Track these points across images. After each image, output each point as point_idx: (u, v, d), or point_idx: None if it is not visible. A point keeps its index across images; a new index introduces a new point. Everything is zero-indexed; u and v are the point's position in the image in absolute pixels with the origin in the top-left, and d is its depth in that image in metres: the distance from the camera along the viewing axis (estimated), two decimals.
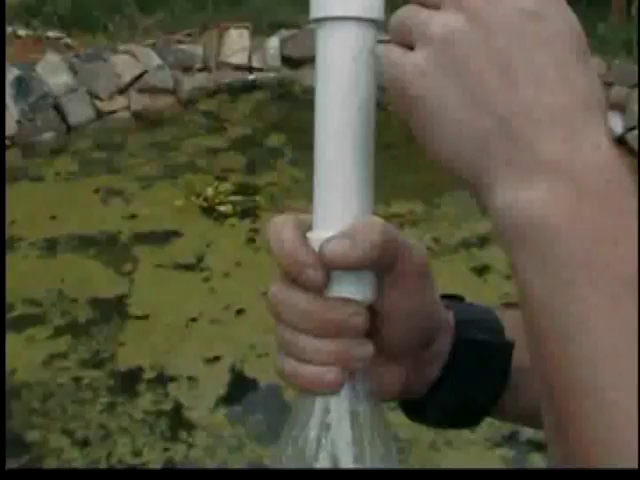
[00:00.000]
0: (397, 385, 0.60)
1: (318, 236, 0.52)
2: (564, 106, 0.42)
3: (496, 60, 0.42)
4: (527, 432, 3.20)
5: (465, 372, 0.62)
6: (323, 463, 0.51)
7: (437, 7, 0.45)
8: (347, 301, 0.52)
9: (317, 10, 0.50)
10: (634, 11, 7.30)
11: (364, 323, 0.53)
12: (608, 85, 6.05)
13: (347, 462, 0.50)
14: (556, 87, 0.43)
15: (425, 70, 0.44)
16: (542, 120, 0.42)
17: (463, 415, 0.65)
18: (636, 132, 5.81)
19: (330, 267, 0.51)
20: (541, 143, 0.42)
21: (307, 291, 0.52)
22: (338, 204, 0.52)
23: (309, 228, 0.53)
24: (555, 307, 0.42)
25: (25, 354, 3.54)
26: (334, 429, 0.52)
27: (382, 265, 0.53)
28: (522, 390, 0.64)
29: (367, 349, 0.54)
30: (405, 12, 0.46)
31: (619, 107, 5.96)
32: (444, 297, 0.63)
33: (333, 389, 0.52)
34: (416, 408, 0.64)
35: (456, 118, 0.44)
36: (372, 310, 0.54)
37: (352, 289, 0.52)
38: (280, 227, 0.53)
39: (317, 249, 0.51)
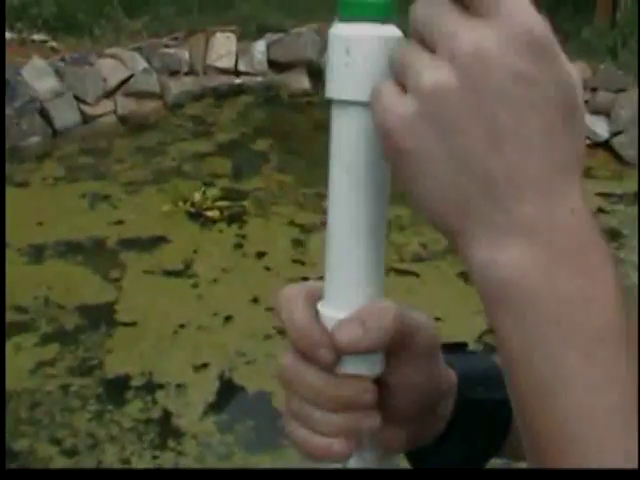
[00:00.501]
0: (402, 444, 0.61)
1: (330, 314, 0.52)
2: (546, 172, 0.43)
3: (484, 122, 0.42)
4: None
5: (469, 429, 0.63)
6: None
7: (433, 50, 0.44)
8: (357, 378, 0.53)
9: (332, 91, 0.50)
10: (619, 16, 7.34)
11: (373, 399, 0.54)
12: (593, 90, 6.09)
13: None
14: (541, 154, 0.42)
15: (412, 124, 0.43)
16: (523, 185, 0.42)
17: (468, 462, 0.66)
18: (621, 137, 5.85)
19: (342, 352, 0.52)
20: (519, 206, 0.42)
21: (318, 367, 0.53)
22: (349, 284, 0.53)
23: (319, 297, 0.54)
24: (533, 364, 0.43)
25: (13, 362, 3.52)
26: None
27: (392, 346, 0.54)
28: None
29: (374, 421, 0.54)
30: (404, 50, 0.46)
31: (604, 112, 6.00)
32: (445, 346, 0.63)
33: (341, 459, 0.54)
34: (421, 457, 0.65)
35: (439, 175, 0.44)
36: (379, 381, 0.55)
37: (362, 366, 0.53)
38: (292, 302, 0.53)
39: (329, 327, 0.52)
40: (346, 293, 0.53)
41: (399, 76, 0.46)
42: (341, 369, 0.53)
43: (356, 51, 0.49)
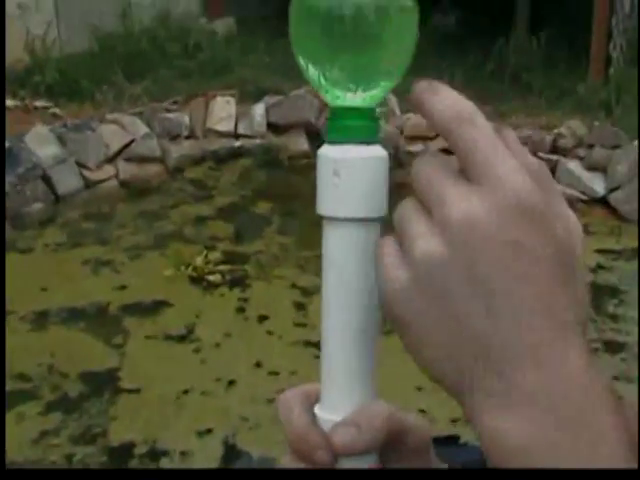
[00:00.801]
0: None
1: (326, 417, 0.55)
2: (544, 338, 0.43)
3: (476, 291, 0.43)
4: None
5: None
6: None
7: (429, 210, 0.45)
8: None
9: (323, 209, 0.53)
10: (612, 72, 7.45)
11: None
12: (589, 147, 6.16)
13: None
14: (536, 320, 0.43)
15: (408, 293, 0.45)
16: (520, 353, 0.42)
17: None
18: (618, 193, 5.90)
19: (338, 454, 0.54)
20: (518, 375, 0.42)
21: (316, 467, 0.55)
22: (344, 388, 0.55)
23: (317, 400, 0.57)
24: None
25: (15, 432, 3.52)
26: None
27: (386, 445, 0.55)
28: None
29: None
30: (404, 208, 0.48)
31: (600, 168, 6.06)
32: (437, 440, 0.64)
33: None
34: None
35: (438, 342, 0.44)
36: None
37: (358, 465, 0.55)
38: (289, 406, 0.56)
39: (326, 429, 0.54)
40: (341, 397, 0.55)
41: (398, 235, 0.47)
42: (339, 467, 0.55)
43: (344, 172, 0.52)
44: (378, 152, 0.53)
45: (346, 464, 0.55)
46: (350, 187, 0.52)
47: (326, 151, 0.53)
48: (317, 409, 0.56)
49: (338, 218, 0.53)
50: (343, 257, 0.53)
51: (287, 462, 0.57)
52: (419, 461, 0.59)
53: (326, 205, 0.53)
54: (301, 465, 0.55)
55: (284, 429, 0.56)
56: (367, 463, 0.55)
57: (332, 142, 0.53)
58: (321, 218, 0.53)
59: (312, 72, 0.53)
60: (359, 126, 0.53)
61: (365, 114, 0.53)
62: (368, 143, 0.52)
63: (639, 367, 2.88)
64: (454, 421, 3.62)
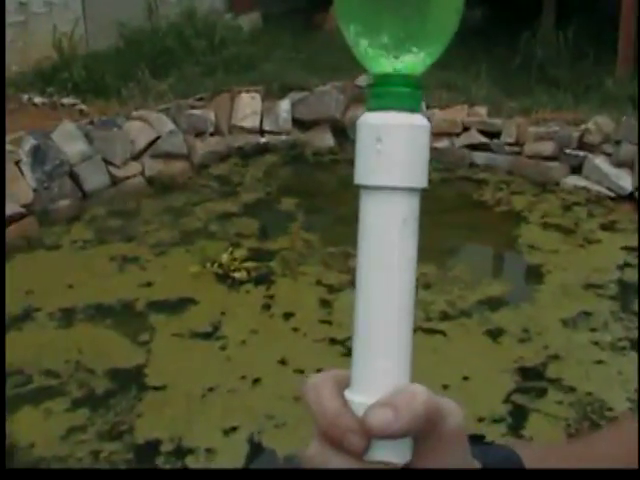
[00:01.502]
0: None
1: (359, 399, 0.52)
2: None
3: None
4: None
5: None
6: None
7: None
8: (387, 465, 0.52)
9: (363, 177, 0.51)
10: None
11: None
12: (617, 143, 6.11)
13: None
14: None
15: None
16: None
17: None
18: None
19: (373, 436, 0.51)
20: None
21: (346, 454, 0.52)
22: (378, 370, 0.52)
23: (346, 385, 0.53)
24: None
25: (43, 428, 3.55)
26: None
27: (422, 432, 0.52)
28: None
29: None
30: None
31: (628, 165, 6.01)
32: None
33: None
34: None
35: None
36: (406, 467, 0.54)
37: (391, 453, 0.52)
38: (319, 388, 0.53)
39: (359, 413, 0.51)
40: (375, 378, 0.52)
41: None
42: (370, 456, 0.52)
43: (387, 139, 0.50)
44: (421, 121, 0.51)
45: (377, 453, 0.52)
46: (394, 154, 0.51)
47: (368, 118, 0.52)
48: (348, 393, 0.53)
49: (380, 187, 0.51)
50: (383, 228, 0.51)
51: (315, 450, 0.53)
52: (455, 452, 0.56)
53: (367, 173, 0.51)
54: (330, 451, 0.52)
55: (312, 413, 0.52)
56: (401, 450, 0.52)
57: (374, 109, 0.52)
58: (359, 188, 0.52)
59: (358, 40, 0.52)
60: (403, 93, 0.52)
61: (410, 81, 0.52)
62: (411, 111, 0.51)
63: (639, 368, 2.86)
64: (480, 420, 3.61)
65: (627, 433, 0.75)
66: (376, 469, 0.52)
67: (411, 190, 0.51)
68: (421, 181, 0.52)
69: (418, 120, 0.51)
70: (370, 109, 0.52)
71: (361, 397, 0.52)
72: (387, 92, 0.52)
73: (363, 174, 0.51)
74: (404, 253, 0.51)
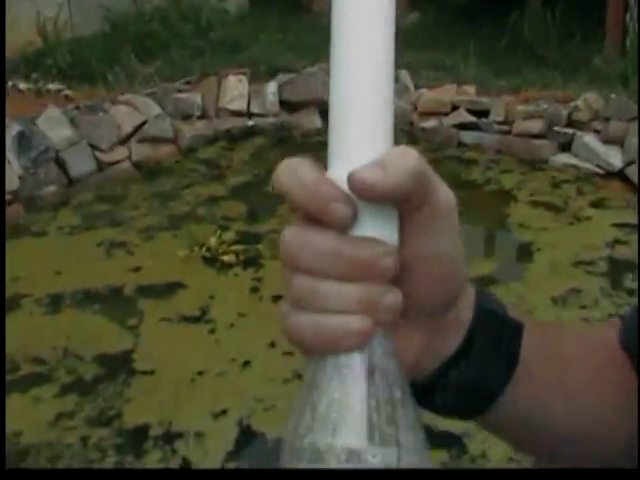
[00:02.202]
0: (411, 355, 0.55)
1: (339, 174, 0.47)
2: None
3: None
4: None
5: (483, 349, 0.57)
6: (351, 429, 0.46)
7: None
8: (377, 240, 0.48)
9: None
10: (629, 43, 7.35)
11: (394, 266, 0.48)
12: (606, 120, 6.08)
13: (379, 424, 0.47)
14: None
15: None
16: None
17: (472, 400, 0.59)
18: (635, 167, 5.82)
19: (360, 197, 0.46)
20: None
21: (331, 230, 0.47)
22: (359, 138, 0.48)
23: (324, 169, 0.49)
24: None
25: (31, 415, 3.53)
26: (356, 390, 0.47)
27: (412, 200, 0.48)
28: (524, 389, 0.61)
29: (397, 297, 0.48)
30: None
31: (617, 141, 5.98)
32: None
33: (359, 342, 0.47)
34: (424, 391, 0.57)
35: None
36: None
37: (379, 229, 0.48)
38: (295, 165, 0.49)
39: (341, 186, 0.47)
40: (356, 149, 0.48)
41: None
42: (355, 232, 0.47)
43: None
44: None
45: (366, 226, 0.47)
46: None
47: None
48: (328, 174, 0.48)
49: None
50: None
51: (292, 232, 0.49)
52: (446, 227, 0.52)
53: None
54: (311, 229, 0.48)
55: (288, 191, 0.48)
56: (388, 228, 0.48)
57: None
58: None
59: None
60: None
61: None
62: None
63: (638, 367, 2.86)
64: None
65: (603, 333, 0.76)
66: (376, 469, 0.47)
67: None
68: None
69: None
70: None
71: (341, 171, 0.47)
72: None
73: None
74: (381, 22, 0.47)
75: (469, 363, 0.57)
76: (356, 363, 0.47)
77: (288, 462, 0.48)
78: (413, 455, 0.47)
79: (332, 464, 0.46)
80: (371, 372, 0.47)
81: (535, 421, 0.65)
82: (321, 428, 0.47)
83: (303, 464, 0.47)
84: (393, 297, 0.48)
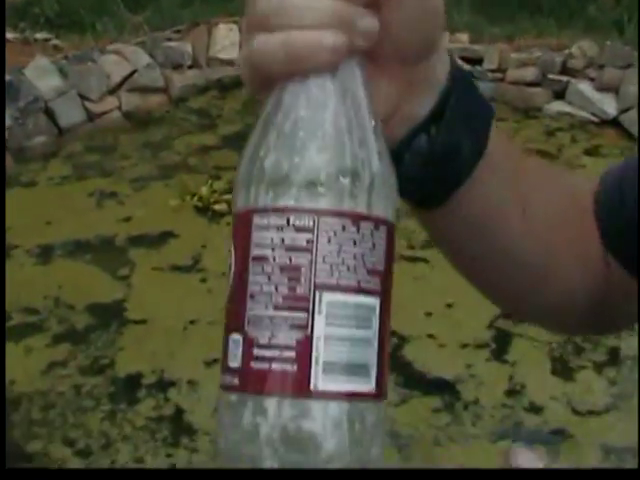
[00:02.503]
0: (382, 107, 0.51)
1: None
2: None
3: None
4: (529, 425, 3.19)
5: (455, 117, 0.55)
6: (319, 148, 0.45)
7: None
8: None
9: None
10: None
11: None
12: (600, 67, 6.03)
13: (350, 145, 0.46)
14: None
15: None
16: None
17: (442, 170, 0.56)
18: (629, 114, 5.78)
19: None
20: None
21: None
22: None
23: None
24: None
25: (24, 364, 3.52)
26: (326, 108, 0.46)
27: None
28: (484, 187, 0.59)
29: (373, 22, 0.46)
30: None
31: (612, 89, 5.93)
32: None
33: (331, 60, 0.45)
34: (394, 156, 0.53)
35: None
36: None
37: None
38: None
39: None
40: None
41: None
42: None
43: None
44: None
45: None
46: None
47: None
48: None
49: None
50: None
51: None
52: None
53: None
54: None
55: None
56: None
57: None
58: None
59: None
60: None
61: None
62: None
63: (639, 367, 2.90)
64: (464, 346, 3.60)
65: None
66: (376, 469, 0.45)
67: None
68: None
69: None
70: None
71: None
72: None
73: None
74: None
75: (439, 129, 0.54)
76: (326, 82, 0.46)
77: (253, 196, 0.46)
78: (385, 185, 0.46)
79: (292, 191, 0.44)
80: (343, 94, 0.46)
81: (490, 229, 0.63)
82: (286, 146, 0.45)
83: (264, 191, 0.46)
84: (370, 21, 0.46)
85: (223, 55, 6.68)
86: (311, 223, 0.44)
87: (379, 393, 0.46)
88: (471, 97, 0.57)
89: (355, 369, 0.44)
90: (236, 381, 0.45)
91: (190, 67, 6.60)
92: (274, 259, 0.44)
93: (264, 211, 0.45)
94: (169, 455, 3.06)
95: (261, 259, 0.45)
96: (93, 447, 3.12)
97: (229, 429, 0.46)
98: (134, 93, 6.22)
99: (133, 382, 3.43)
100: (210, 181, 4.92)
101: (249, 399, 0.45)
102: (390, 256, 0.46)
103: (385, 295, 0.46)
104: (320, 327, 0.43)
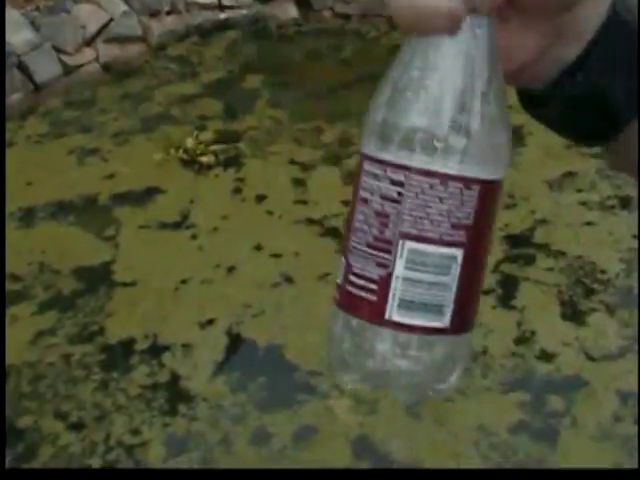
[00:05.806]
0: (524, 55, 0.53)
1: None
2: None
3: None
4: (542, 374, 3.07)
5: (607, 61, 0.53)
6: (420, 111, 0.49)
7: None
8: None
9: None
10: None
11: None
12: None
13: (452, 110, 0.48)
14: None
15: None
16: None
17: (590, 117, 0.55)
18: None
19: None
20: None
21: None
22: None
23: None
24: None
25: (10, 334, 3.35)
26: (435, 72, 0.49)
27: None
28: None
29: None
30: None
31: None
32: None
33: (447, 25, 0.47)
34: (539, 100, 0.55)
35: None
36: None
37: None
38: None
39: None
40: None
41: None
42: None
43: None
44: None
45: None
46: None
47: None
48: None
49: None
50: None
51: None
52: None
53: None
54: None
55: None
56: None
57: None
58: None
59: None
60: None
61: None
62: None
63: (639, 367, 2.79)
64: None
65: None
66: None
67: None
68: None
69: None
70: None
71: None
72: None
73: None
74: None
75: (586, 74, 0.53)
76: (442, 45, 0.48)
77: (366, 143, 0.51)
78: (483, 148, 0.50)
79: (391, 147, 0.49)
80: (456, 57, 0.48)
81: None
82: (395, 103, 0.49)
83: (373, 141, 0.50)
84: None
85: None
86: (402, 178, 0.49)
87: (453, 329, 0.51)
88: (625, 43, 0.53)
89: (428, 307, 0.50)
90: (337, 296, 0.53)
91: (168, 13, 6.33)
92: (371, 204, 0.50)
93: (370, 159, 0.51)
94: (166, 424, 2.93)
95: (363, 201, 0.51)
96: (86, 420, 2.98)
97: (329, 334, 0.54)
98: (111, 43, 5.97)
99: (125, 348, 3.29)
100: (195, 132, 4.71)
101: (341, 314, 0.53)
102: (483, 212, 0.51)
103: (472, 245, 0.50)
104: (400, 269, 0.50)
